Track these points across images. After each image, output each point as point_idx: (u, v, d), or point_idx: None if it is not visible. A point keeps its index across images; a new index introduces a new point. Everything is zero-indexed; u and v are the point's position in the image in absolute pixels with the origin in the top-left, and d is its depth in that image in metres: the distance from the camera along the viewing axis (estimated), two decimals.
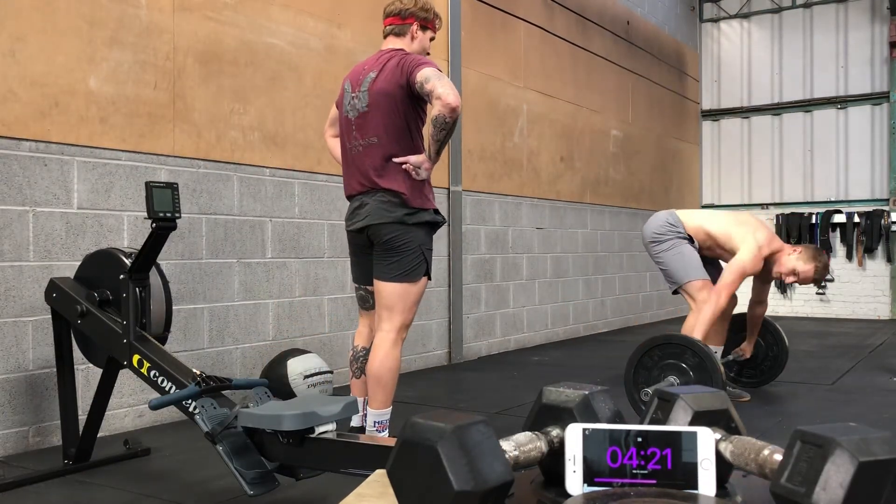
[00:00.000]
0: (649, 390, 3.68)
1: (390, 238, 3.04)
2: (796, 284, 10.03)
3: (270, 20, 4.62)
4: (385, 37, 3.25)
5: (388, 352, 3.07)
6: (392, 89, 3.01)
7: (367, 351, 3.27)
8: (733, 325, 4.76)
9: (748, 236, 4.26)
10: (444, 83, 2.88)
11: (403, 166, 3.01)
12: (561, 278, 7.66)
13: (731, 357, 4.74)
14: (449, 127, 2.89)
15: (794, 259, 4.38)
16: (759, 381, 4.85)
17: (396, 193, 3.03)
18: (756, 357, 4.82)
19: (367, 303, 3.29)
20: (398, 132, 3.04)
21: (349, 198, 3.21)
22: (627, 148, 8.99)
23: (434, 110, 2.90)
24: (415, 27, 3.19)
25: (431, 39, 3.27)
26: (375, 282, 3.12)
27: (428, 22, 3.23)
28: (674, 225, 4.42)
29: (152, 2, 3.99)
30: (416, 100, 3.04)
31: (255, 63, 4.52)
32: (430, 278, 3.17)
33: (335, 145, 3.43)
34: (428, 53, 3.25)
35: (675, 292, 4.47)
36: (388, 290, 3.07)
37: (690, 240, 4.40)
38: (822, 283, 9.93)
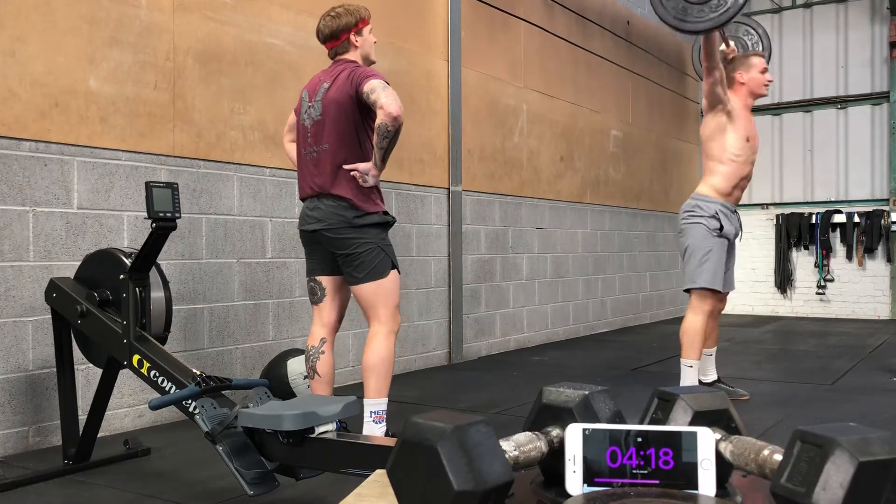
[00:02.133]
0: None
1: (344, 242, 3.18)
2: (797, 284, 10.11)
3: (270, 20, 4.62)
4: (333, 58, 3.37)
5: (380, 342, 3.20)
6: (343, 99, 3.16)
7: (317, 349, 3.35)
8: None
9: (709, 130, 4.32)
10: (388, 94, 3.03)
11: (352, 173, 3.15)
12: (561, 278, 7.66)
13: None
14: (391, 135, 3.03)
15: (746, 80, 4.34)
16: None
17: (345, 199, 3.18)
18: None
19: (315, 295, 3.38)
20: (348, 140, 3.19)
21: (303, 199, 3.35)
22: (627, 148, 8.99)
23: (378, 119, 3.04)
24: (352, 37, 3.32)
25: (371, 31, 3.39)
26: (352, 288, 3.27)
27: (358, 23, 3.33)
28: (697, 202, 4.35)
29: (152, 2, 3.99)
30: (365, 110, 3.17)
31: (255, 63, 4.52)
32: (399, 271, 3.30)
33: (291, 149, 3.61)
34: (374, 44, 3.40)
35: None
36: (362, 292, 3.22)
37: (715, 214, 4.30)
38: (822, 284, 9.95)
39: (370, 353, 3.20)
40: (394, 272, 3.25)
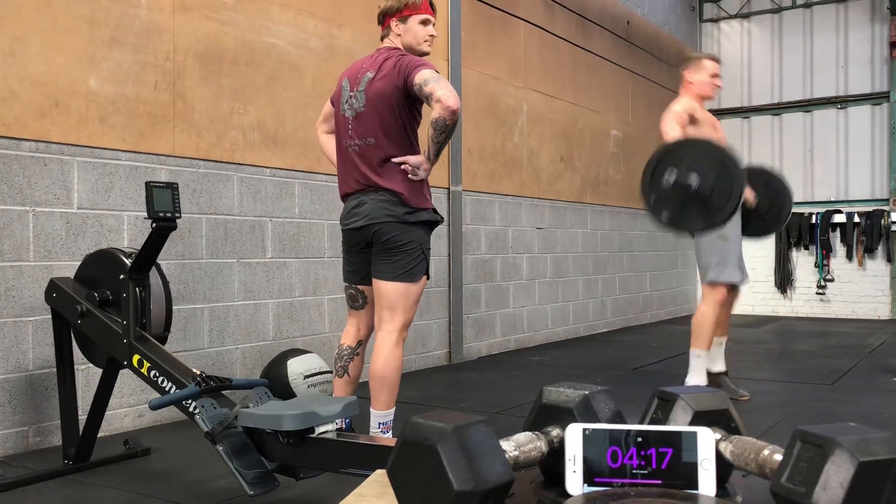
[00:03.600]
0: (672, 177, 3.58)
1: (391, 237, 3.03)
2: (797, 284, 10.10)
3: (270, 20, 4.62)
4: (384, 37, 3.25)
5: (390, 351, 3.06)
6: (389, 90, 3.01)
7: (352, 350, 3.27)
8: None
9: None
10: (443, 86, 2.88)
11: (402, 167, 3.02)
12: (561, 278, 7.66)
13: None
14: (449, 129, 2.90)
15: (695, 82, 4.44)
16: (764, 228, 4.69)
17: (395, 193, 3.03)
18: (759, 206, 4.67)
19: (356, 302, 3.27)
20: (395, 132, 3.05)
21: (344, 196, 3.20)
22: (627, 148, 8.99)
23: (434, 113, 2.90)
24: (394, 24, 3.15)
25: (424, 22, 3.15)
26: (376, 282, 3.11)
27: (404, 9, 3.13)
28: None
29: (152, 2, 3.99)
30: (412, 101, 3.04)
31: (255, 63, 4.52)
32: (429, 277, 3.17)
33: (327, 141, 3.41)
34: (432, 37, 3.18)
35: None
36: (389, 290, 3.06)
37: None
38: (822, 284, 9.96)
39: (382, 362, 3.05)
40: (424, 278, 3.11)
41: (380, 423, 3.08)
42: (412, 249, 3.05)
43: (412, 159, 3.03)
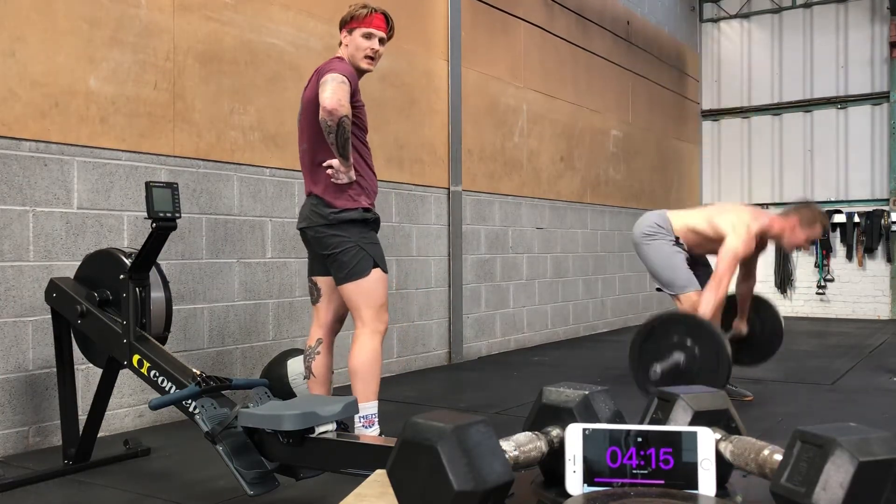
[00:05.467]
0: (658, 368, 3.70)
1: (321, 238, 3.14)
2: (797, 284, 10.11)
3: (270, 20, 4.62)
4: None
5: (361, 345, 3.14)
6: (313, 97, 3.12)
7: (312, 349, 3.33)
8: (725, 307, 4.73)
9: (733, 221, 4.28)
10: (327, 88, 2.97)
11: (327, 171, 3.10)
12: (561, 278, 7.66)
13: (728, 335, 4.72)
14: (329, 128, 2.96)
15: (799, 229, 4.29)
16: (758, 357, 4.80)
17: (320, 197, 3.15)
18: (751, 334, 4.79)
19: (312, 295, 3.36)
20: (321, 138, 3.10)
21: None
22: (627, 148, 8.99)
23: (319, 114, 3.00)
24: (343, 34, 3.29)
25: (367, 36, 3.22)
26: (338, 287, 3.21)
27: (350, 20, 3.25)
28: (661, 226, 4.49)
29: (152, 2, 3.99)
30: None
31: (255, 63, 4.52)
32: (384, 270, 3.20)
33: None
34: (375, 51, 3.24)
35: (659, 289, 4.53)
36: (345, 293, 3.17)
37: (677, 241, 4.44)
38: (822, 284, 9.96)
39: (353, 356, 3.15)
40: (376, 271, 3.15)
41: (360, 417, 3.09)
42: (347, 249, 3.12)
43: (333, 161, 3.08)
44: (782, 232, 4.32)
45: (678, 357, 3.76)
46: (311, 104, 3.12)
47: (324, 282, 3.29)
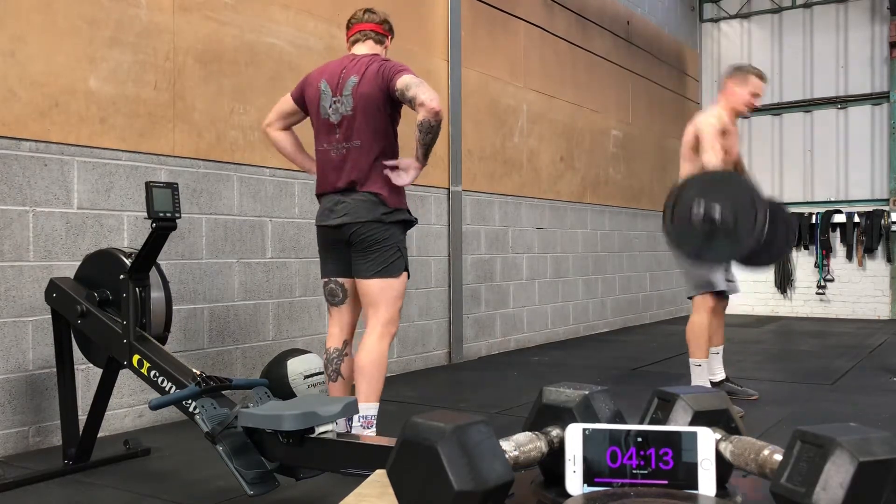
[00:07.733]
0: (700, 206, 3.58)
1: (369, 236, 3.14)
2: (797, 284, 10.10)
3: (270, 20, 4.62)
4: (363, 41, 3.33)
5: (372, 345, 3.14)
6: (375, 94, 3.12)
7: (339, 352, 3.31)
8: None
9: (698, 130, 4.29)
10: (425, 89, 2.99)
11: (389, 170, 3.13)
12: (561, 278, 7.66)
13: None
14: (434, 130, 3.01)
15: (738, 91, 4.36)
16: (767, 259, 4.58)
17: (376, 194, 3.14)
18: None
19: (336, 297, 3.32)
20: (382, 135, 3.16)
21: (321, 195, 3.28)
22: (627, 148, 8.99)
23: (419, 116, 2.99)
24: (388, 40, 3.40)
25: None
26: (358, 282, 3.21)
27: (392, 32, 3.45)
28: None
29: (152, 2, 3.99)
30: (395, 104, 3.16)
31: (255, 63, 4.52)
32: (409, 274, 3.27)
33: (283, 139, 3.44)
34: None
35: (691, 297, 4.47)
36: (370, 287, 3.17)
37: None
38: (822, 284, 9.96)
39: (363, 353, 3.14)
40: (405, 275, 3.23)
41: (360, 417, 3.08)
42: (388, 247, 3.16)
43: (404, 162, 3.14)
44: (728, 102, 4.40)
45: (716, 209, 3.65)
46: (369, 101, 3.11)
47: (350, 283, 3.28)
